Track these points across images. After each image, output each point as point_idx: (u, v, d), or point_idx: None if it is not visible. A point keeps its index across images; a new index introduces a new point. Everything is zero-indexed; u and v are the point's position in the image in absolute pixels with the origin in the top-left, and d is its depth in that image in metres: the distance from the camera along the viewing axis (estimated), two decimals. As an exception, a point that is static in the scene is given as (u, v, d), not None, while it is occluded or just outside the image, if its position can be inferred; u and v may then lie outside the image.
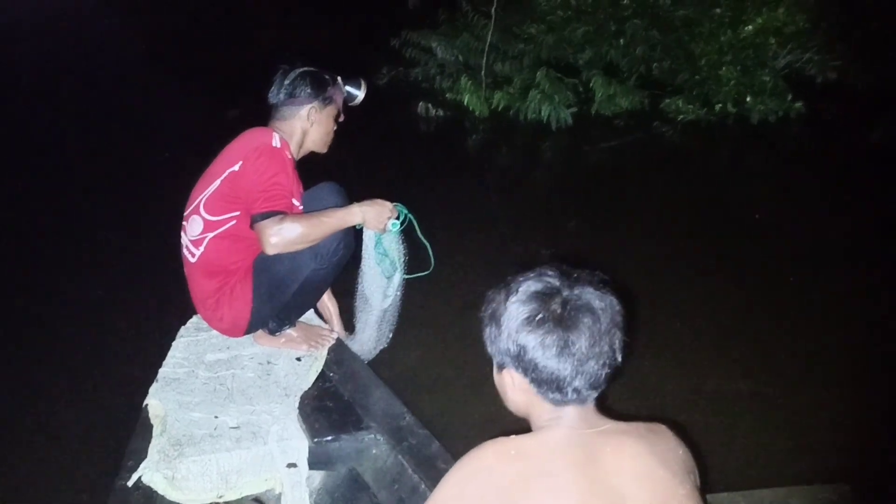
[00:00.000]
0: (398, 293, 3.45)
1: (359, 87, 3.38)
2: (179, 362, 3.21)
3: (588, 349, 1.53)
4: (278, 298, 3.20)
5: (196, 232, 3.12)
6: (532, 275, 1.63)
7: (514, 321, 1.58)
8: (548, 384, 1.57)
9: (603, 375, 1.57)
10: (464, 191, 6.89)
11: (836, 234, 5.61)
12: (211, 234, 3.09)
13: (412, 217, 3.29)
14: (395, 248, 3.32)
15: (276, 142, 3.06)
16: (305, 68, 3.24)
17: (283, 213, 2.93)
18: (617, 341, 1.57)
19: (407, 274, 3.41)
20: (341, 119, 3.37)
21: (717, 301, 4.68)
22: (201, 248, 3.12)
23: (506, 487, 1.46)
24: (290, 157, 3.12)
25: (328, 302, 3.68)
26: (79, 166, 7.43)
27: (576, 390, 1.56)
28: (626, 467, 1.49)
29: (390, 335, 3.61)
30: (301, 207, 3.14)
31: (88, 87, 10.32)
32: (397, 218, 3.23)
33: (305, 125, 3.22)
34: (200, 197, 3.12)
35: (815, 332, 4.30)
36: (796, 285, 4.86)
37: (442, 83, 9.61)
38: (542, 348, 1.54)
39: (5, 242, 5.65)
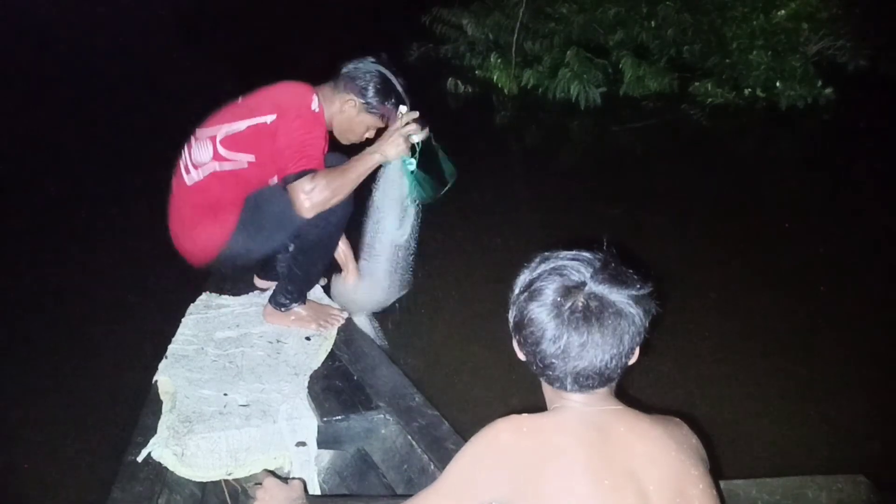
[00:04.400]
0: (414, 228, 3.37)
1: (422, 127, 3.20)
2: (189, 339, 3.23)
3: (575, 352, 1.53)
4: (259, 243, 3.17)
5: (202, 158, 3.05)
6: (571, 258, 1.61)
7: (528, 297, 1.60)
8: (535, 366, 1.61)
9: (590, 381, 1.56)
10: (491, 168, 6.88)
11: (863, 225, 5.59)
12: (217, 167, 3.05)
13: (428, 129, 3.17)
14: (433, 162, 3.26)
15: (315, 105, 3.00)
16: (387, 72, 3.12)
17: (314, 170, 2.93)
18: (611, 356, 1.53)
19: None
20: (371, 135, 3.27)
21: (740, 291, 4.67)
22: (201, 175, 3.06)
23: (519, 465, 1.49)
24: (325, 124, 3.07)
25: (342, 245, 3.59)
26: (105, 137, 7.45)
27: (562, 382, 1.58)
28: (639, 447, 1.52)
29: (405, 285, 3.53)
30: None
31: (120, 61, 10.40)
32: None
33: (339, 107, 3.13)
34: (220, 128, 3.05)
35: (837, 324, 4.30)
36: (822, 277, 4.84)
37: (472, 60, 9.62)
38: (538, 330, 1.56)
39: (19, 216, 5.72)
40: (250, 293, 3.59)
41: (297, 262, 3.27)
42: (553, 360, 1.55)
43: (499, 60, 8.99)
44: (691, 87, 8.54)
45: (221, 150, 3.02)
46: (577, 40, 9.15)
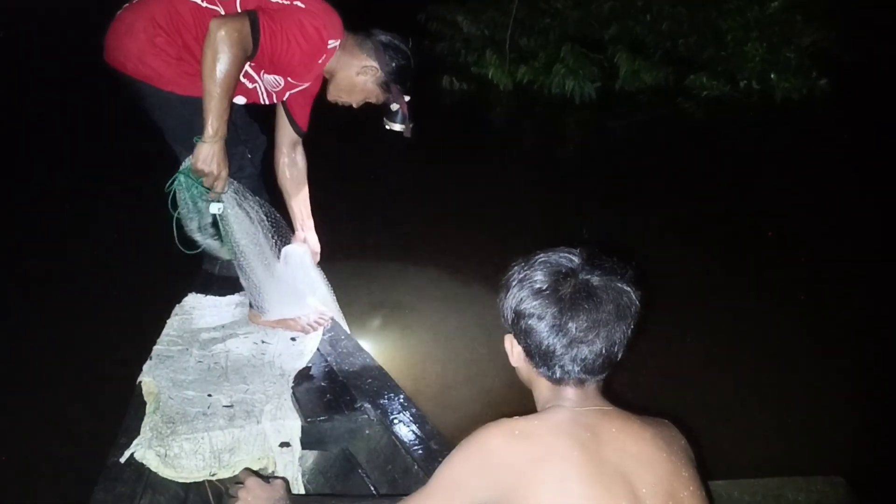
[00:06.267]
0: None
1: (402, 122, 3.09)
2: (173, 340, 3.20)
3: (582, 334, 1.54)
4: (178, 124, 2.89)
5: None
6: (557, 252, 1.63)
7: (522, 289, 1.61)
8: (537, 356, 1.60)
9: (597, 364, 1.56)
10: (486, 165, 6.92)
11: (852, 226, 5.60)
12: (223, 12, 2.72)
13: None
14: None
15: (334, 45, 2.82)
16: (412, 58, 2.98)
17: (259, 41, 2.63)
18: (618, 335, 1.55)
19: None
20: (358, 103, 3.11)
21: (723, 295, 4.65)
22: (204, 3, 2.74)
23: (511, 468, 1.49)
24: (323, 62, 2.91)
25: (302, 207, 3.41)
26: (99, 135, 7.36)
27: (564, 370, 1.58)
28: (630, 449, 1.52)
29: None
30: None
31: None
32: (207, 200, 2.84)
33: (355, 66, 2.96)
34: None
35: (817, 326, 4.30)
36: (807, 273, 4.87)
37: (467, 57, 9.63)
38: (537, 318, 1.57)
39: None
40: (236, 294, 3.58)
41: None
42: (556, 348, 1.56)
43: (494, 57, 9.02)
44: (687, 80, 8.56)
45: (238, 6, 2.76)
46: (572, 35, 9.19)
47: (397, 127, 3.08)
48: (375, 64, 2.95)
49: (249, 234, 2.98)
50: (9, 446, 3.35)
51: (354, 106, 3.12)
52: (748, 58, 8.33)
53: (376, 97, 3.06)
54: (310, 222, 3.45)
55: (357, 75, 2.97)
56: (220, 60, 2.56)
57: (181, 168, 2.80)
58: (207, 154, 2.66)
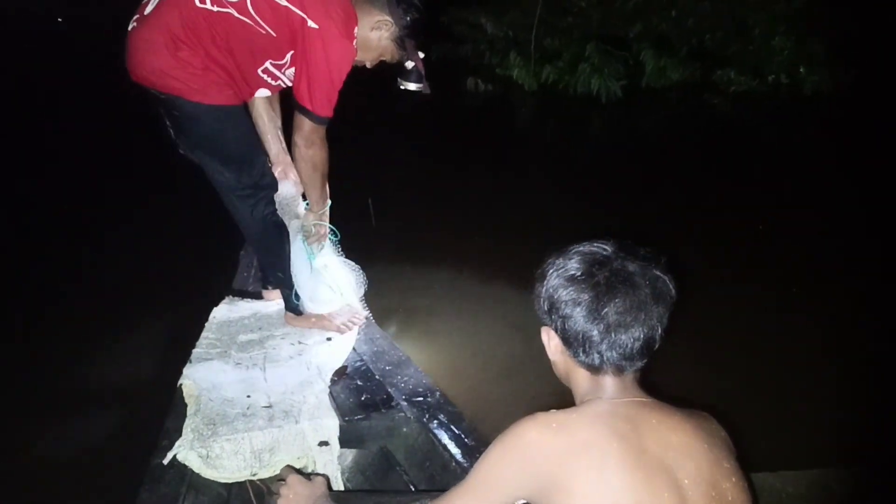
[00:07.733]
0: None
1: (418, 80, 3.00)
2: (212, 343, 3.23)
3: (619, 318, 1.53)
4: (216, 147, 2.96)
5: None
6: (591, 243, 1.62)
7: (557, 278, 1.60)
8: (575, 344, 1.59)
9: (635, 349, 1.55)
10: (512, 166, 6.89)
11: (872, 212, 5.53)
12: (235, 14, 2.71)
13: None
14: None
15: (356, 30, 2.80)
16: (425, 14, 2.93)
17: (328, 121, 2.80)
18: (655, 319, 1.53)
19: None
20: (373, 62, 3.00)
21: (751, 286, 4.59)
22: (214, 7, 2.70)
23: (549, 461, 1.48)
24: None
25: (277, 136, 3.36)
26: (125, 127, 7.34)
27: (603, 357, 1.57)
28: (671, 440, 1.51)
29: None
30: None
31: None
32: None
33: (370, 24, 2.88)
34: None
35: (858, 317, 4.23)
36: (838, 270, 4.78)
37: (491, 59, 9.62)
38: (573, 305, 1.56)
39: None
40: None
41: (261, 263, 3.39)
42: (593, 334, 1.55)
43: (518, 58, 8.99)
44: (714, 75, 8.51)
45: (249, 5, 2.72)
46: (596, 34, 9.14)
47: (412, 86, 3.02)
48: (390, 18, 2.87)
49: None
50: (54, 450, 3.38)
51: (368, 65, 3.02)
52: (776, 51, 8.27)
53: (391, 54, 2.98)
54: (287, 157, 3.35)
55: (371, 31, 2.89)
56: (317, 168, 2.93)
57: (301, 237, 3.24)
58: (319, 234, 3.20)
